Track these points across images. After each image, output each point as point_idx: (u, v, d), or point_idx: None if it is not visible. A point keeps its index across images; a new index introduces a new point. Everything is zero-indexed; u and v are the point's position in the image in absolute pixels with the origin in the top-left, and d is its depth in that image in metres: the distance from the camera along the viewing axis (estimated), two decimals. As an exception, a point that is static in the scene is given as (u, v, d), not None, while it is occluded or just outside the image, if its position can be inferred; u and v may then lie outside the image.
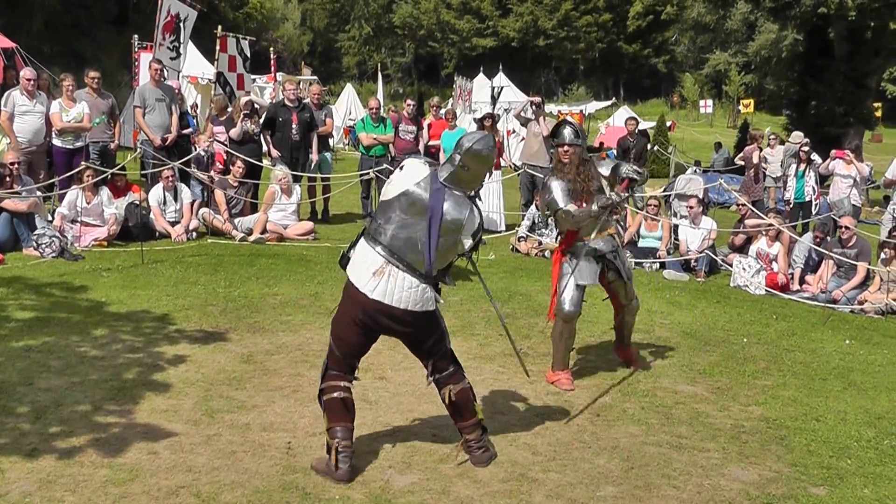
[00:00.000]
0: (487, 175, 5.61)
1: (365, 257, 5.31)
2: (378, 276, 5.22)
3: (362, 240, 5.40)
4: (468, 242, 5.41)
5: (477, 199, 5.44)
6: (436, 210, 5.23)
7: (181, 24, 16.33)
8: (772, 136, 22.00)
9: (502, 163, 16.17)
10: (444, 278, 5.52)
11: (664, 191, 18.11)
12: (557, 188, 7.31)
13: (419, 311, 5.29)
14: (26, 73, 13.29)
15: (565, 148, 7.39)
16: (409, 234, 5.23)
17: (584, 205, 7.29)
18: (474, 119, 17.58)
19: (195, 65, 24.01)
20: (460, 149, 5.37)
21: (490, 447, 5.69)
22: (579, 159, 7.39)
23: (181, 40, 16.38)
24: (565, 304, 7.39)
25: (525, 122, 15.49)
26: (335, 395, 5.40)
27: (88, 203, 12.26)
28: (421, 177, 5.32)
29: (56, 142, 13.05)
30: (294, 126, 14.61)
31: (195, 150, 14.45)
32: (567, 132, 7.45)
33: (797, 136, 20.26)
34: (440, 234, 5.24)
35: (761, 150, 20.15)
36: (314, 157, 14.97)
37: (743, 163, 19.99)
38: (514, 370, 7.44)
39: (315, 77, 35.63)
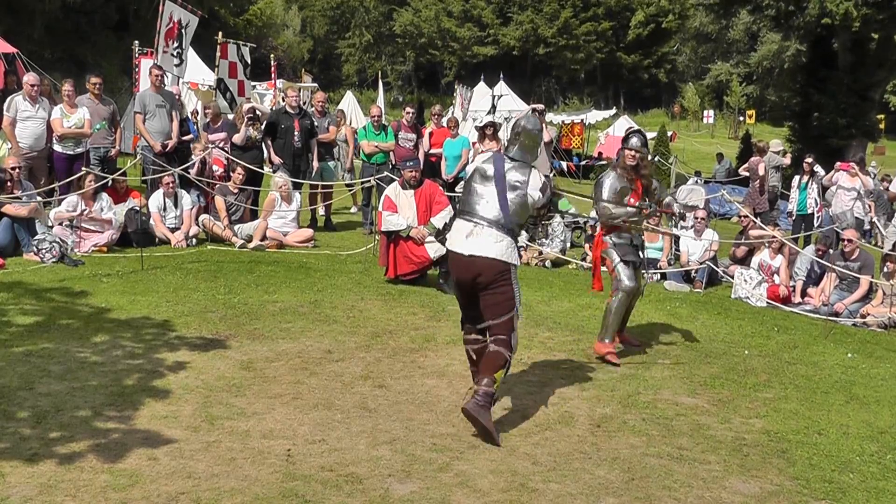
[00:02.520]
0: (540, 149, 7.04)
1: (459, 227, 6.50)
2: (470, 237, 6.36)
3: (457, 218, 6.61)
4: (536, 195, 6.50)
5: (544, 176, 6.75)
6: (499, 170, 6.47)
7: (183, 31, 16.32)
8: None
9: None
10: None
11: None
12: (607, 184, 8.49)
13: (502, 260, 6.32)
14: (30, 78, 13.27)
15: (633, 153, 8.53)
16: (486, 199, 6.44)
17: (631, 203, 8.56)
18: (476, 127, 17.57)
19: (196, 71, 24.05)
20: (518, 128, 6.75)
21: (483, 410, 6.14)
22: (642, 163, 8.59)
23: (183, 46, 16.37)
24: (625, 280, 8.53)
25: (526, 131, 15.47)
26: (466, 347, 6.85)
27: (89, 209, 12.24)
28: (485, 157, 6.70)
29: (57, 147, 13.03)
30: (296, 133, 14.59)
31: (195, 156, 14.43)
32: (636, 140, 8.65)
33: (776, 143, 20.29)
34: (507, 189, 6.41)
35: None
36: (315, 164, 14.96)
37: (748, 174, 20.00)
38: (513, 379, 7.42)
39: (315, 84, 35.63)
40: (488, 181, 6.47)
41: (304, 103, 19.04)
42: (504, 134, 22.06)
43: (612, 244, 8.63)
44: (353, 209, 17.97)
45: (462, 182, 14.83)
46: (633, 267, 8.64)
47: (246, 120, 14.46)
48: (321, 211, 15.95)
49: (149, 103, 13.69)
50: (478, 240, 6.32)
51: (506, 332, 6.39)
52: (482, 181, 6.51)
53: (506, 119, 27.02)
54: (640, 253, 8.92)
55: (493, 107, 29.31)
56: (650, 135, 33.17)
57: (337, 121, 17.35)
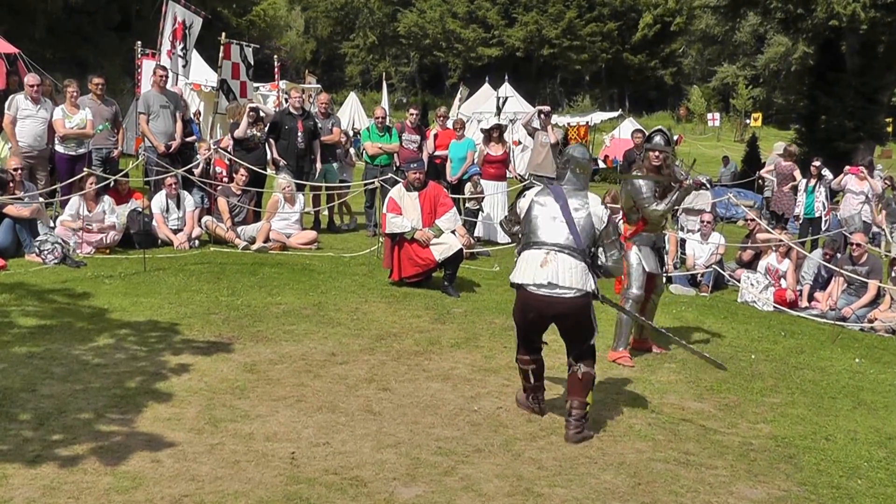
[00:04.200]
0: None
1: (529, 258, 6.37)
2: (545, 266, 6.24)
3: (523, 252, 6.49)
4: (600, 211, 6.47)
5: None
6: (560, 195, 6.47)
7: (187, 32, 16.27)
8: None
9: (508, 174, 16.10)
10: (599, 269, 6.56)
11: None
12: (646, 188, 8.40)
13: (582, 294, 6.26)
14: (30, 79, 13.22)
15: (657, 153, 8.46)
16: (552, 225, 6.37)
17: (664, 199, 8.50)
18: (482, 129, 17.50)
19: (198, 72, 23.95)
20: (567, 157, 6.72)
21: (585, 431, 6.35)
22: (667, 163, 8.52)
23: (188, 47, 16.32)
24: (633, 288, 8.59)
25: (533, 132, 15.44)
26: (523, 367, 6.73)
27: (90, 212, 12.19)
28: (538, 190, 6.70)
29: (59, 148, 12.97)
30: (300, 133, 14.51)
31: (200, 157, 14.37)
32: (659, 139, 8.58)
33: (780, 146, 20.25)
34: (571, 211, 6.37)
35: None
36: (318, 165, 14.90)
37: (770, 176, 19.96)
38: (518, 383, 7.38)
39: (319, 86, 35.53)
40: (549, 208, 6.45)
41: (312, 105, 18.97)
42: (509, 136, 22.02)
43: (636, 246, 8.64)
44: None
45: (467, 184, 14.78)
46: (646, 276, 8.65)
47: (248, 111, 14.40)
48: (325, 213, 15.92)
49: (152, 104, 13.63)
50: (552, 267, 6.23)
51: (592, 349, 6.56)
52: (542, 209, 6.46)
53: (511, 121, 26.93)
54: (661, 254, 8.99)
55: (499, 109, 29.24)
56: (656, 137, 33.07)
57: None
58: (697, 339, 9.67)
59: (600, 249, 6.50)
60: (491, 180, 14.93)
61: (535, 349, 6.72)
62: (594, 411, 6.90)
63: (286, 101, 18.08)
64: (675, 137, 38.62)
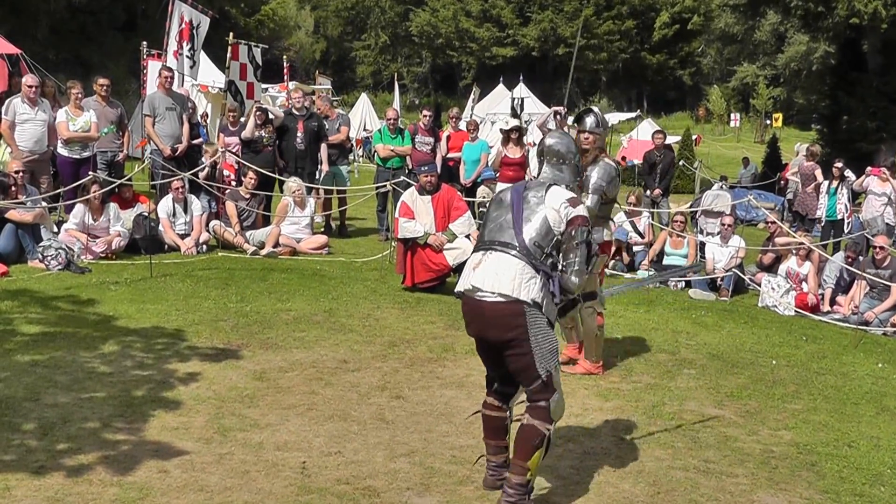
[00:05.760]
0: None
1: (470, 261, 5.23)
2: (477, 268, 5.10)
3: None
4: (557, 205, 5.13)
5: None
6: (517, 190, 5.32)
7: (195, 32, 16.21)
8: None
9: (526, 176, 15.97)
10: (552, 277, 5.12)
11: (690, 207, 17.89)
12: None
13: (510, 300, 4.93)
14: (28, 80, 13.04)
15: (586, 135, 7.74)
16: (498, 221, 5.20)
17: None
18: (500, 130, 17.41)
19: (206, 73, 23.90)
20: (542, 148, 5.57)
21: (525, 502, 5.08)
22: (598, 149, 7.78)
23: (195, 48, 16.26)
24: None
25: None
26: (481, 409, 5.42)
27: (95, 221, 12.10)
28: (503, 188, 5.76)
29: (62, 151, 12.84)
30: (300, 134, 14.33)
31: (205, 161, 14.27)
32: (590, 120, 7.81)
33: (801, 148, 20.16)
34: (522, 205, 5.17)
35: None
36: (324, 167, 14.75)
37: (795, 178, 19.86)
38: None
39: (328, 87, 35.43)
40: (504, 203, 5.31)
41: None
42: (527, 139, 21.91)
43: None
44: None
45: (481, 186, 14.67)
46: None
47: (256, 112, 14.30)
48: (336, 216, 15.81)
49: (158, 105, 13.51)
50: (483, 267, 5.06)
51: (545, 395, 5.08)
52: (498, 206, 5.34)
53: (525, 122, 26.87)
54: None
55: (515, 110, 29.17)
56: (675, 138, 32.94)
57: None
58: (717, 344, 9.54)
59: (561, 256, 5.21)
60: (508, 183, 14.77)
61: (494, 389, 5.42)
62: (612, 418, 6.82)
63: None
64: (695, 137, 38.52)
